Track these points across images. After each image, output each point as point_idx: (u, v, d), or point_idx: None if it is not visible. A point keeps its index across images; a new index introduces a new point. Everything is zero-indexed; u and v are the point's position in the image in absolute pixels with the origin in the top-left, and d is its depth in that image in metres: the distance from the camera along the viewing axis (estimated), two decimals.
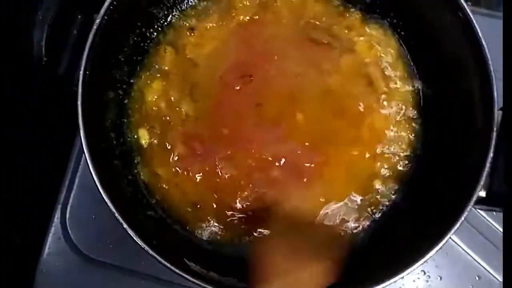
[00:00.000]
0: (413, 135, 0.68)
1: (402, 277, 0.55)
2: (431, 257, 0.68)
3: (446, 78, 0.64)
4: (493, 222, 0.74)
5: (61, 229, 0.76)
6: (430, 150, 0.67)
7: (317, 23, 0.70)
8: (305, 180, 0.64)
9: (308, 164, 0.64)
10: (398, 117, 0.68)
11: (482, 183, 0.54)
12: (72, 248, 0.74)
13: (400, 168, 0.67)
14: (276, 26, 0.70)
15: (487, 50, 0.56)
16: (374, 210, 0.67)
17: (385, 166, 0.67)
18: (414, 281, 0.73)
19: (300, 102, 0.66)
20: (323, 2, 0.71)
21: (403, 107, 0.68)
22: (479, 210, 0.75)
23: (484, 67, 0.56)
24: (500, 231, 0.74)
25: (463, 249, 0.74)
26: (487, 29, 0.57)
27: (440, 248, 0.54)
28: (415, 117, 0.69)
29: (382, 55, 0.69)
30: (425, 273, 0.73)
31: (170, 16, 0.71)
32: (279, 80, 0.66)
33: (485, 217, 0.75)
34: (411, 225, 0.63)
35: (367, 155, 0.66)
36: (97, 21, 0.58)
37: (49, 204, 0.76)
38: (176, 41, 0.70)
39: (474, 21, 0.57)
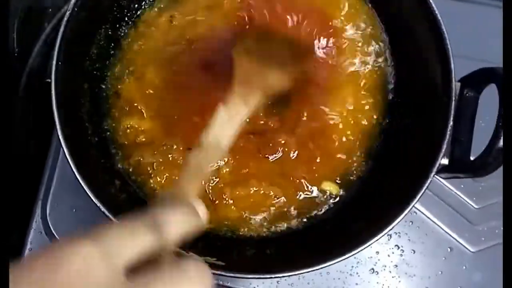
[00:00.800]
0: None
1: (370, 246, 0.56)
2: (405, 232, 0.72)
3: (408, 52, 0.67)
4: (463, 195, 0.77)
5: (42, 224, 0.77)
6: (395, 121, 0.69)
7: None
8: None
9: None
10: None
11: (443, 150, 0.57)
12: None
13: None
14: None
15: (443, 25, 0.59)
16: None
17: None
18: (388, 255, 0.75)
19: None
20: None
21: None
22: (449, 186, 0.78)
23: (440, 40, 0.59)
24: (470, 203, 0.77)
25: (435, 222, 0.77)
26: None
27: (406, 214, 0.56)
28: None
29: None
30: (398, 247, 0.76)
31: (142, 8, 0.73)
32: None
33: (455, 191, 0.78)
34: (379, 195, 0.65)
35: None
36: (68, 12, 0.59)
37: (29, 200, 0.77)
38: (147, 34, 0.72)
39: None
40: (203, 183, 0.50)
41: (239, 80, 0.54)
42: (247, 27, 0.70)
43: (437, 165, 0.57)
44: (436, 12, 0.59)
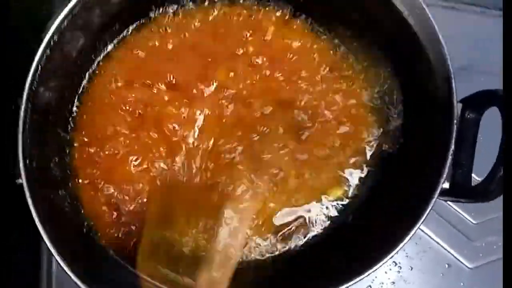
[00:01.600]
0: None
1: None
2: (402, 248, 0.70)
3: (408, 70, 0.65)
4: (461, 211, 0.76)
5: None
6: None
7: None
8: None
9: None
10: None
11: (445, 174, 0.56)
12: None
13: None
14: None
15: (444, 45, 0.57)
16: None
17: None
18: (386, 272, 0.74)
19: None
20: None
21: None
22: (448, 202, 0.77)
23: (442, 61, 0.57)
24: (468, 219, 0.76)
25: (432, 238, 0.76)
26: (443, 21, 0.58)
27: (409, 239, 0.55)
28: None
29: None
30: (396, 264, 0.75)
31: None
32: None
33: (452, 207, 0.76)
34: (381, 219, 0.63)
35: None
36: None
37: None
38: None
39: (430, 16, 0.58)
40: None
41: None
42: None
43: (438, 189, 0.55)
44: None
